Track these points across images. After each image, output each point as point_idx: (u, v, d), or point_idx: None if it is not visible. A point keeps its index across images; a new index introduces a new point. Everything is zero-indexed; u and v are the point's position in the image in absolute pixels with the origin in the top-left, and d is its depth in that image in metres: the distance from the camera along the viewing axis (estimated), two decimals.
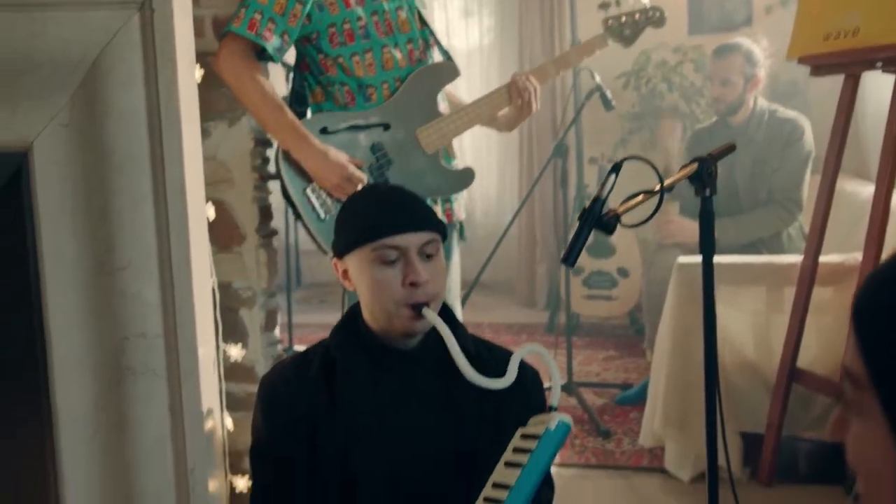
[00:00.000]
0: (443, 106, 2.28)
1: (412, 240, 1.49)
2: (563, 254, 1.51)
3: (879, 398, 0.64)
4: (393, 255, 1.48)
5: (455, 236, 2.34)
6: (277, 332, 2.63)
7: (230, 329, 2.47)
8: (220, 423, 1.86)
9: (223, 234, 2.47)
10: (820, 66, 2.56)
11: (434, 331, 1.58)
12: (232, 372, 2.49)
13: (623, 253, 4.68)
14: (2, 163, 1.70)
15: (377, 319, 1.53)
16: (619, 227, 1.51)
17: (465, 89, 6.30)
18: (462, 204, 2.36)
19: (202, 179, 1.78)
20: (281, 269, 5.02)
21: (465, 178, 2.25)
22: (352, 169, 2.06)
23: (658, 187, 1.52)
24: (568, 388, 3.64)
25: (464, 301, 4.41)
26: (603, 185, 1.49)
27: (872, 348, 0.65)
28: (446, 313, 1.63)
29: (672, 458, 2.85)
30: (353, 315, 1.60)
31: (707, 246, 1.73)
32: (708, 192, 1.71)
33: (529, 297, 5.90)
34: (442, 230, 1.55)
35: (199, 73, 1.81)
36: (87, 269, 1.68)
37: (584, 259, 4.78)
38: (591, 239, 5.02)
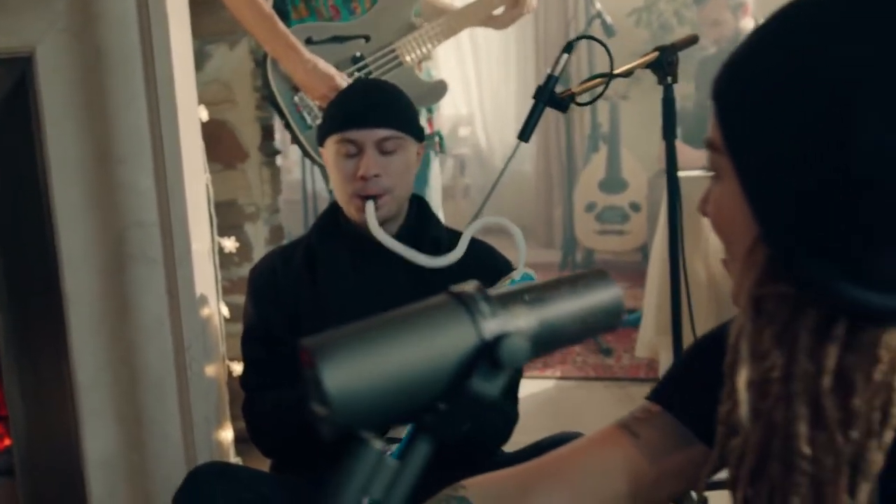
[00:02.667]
0: (418, 21, 2.37)
1: (369, 135, 1.56)
2: (519, 131, 1.60)
3: (732, 159, 0.74)
4: (352, 150, 1.57)
5: (434, 147, 2.42)
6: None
7: (238, 243, 2.61)
8: (217, 309, 1.99)
9: (227, 152, 2.60)
10: None
11: (410, 219, 1.68)
12: (240, 285, 2.64)
13: (635, 188, 4.75)
14: (9, 68, 1.83)
15: (343, 208, 1.63)
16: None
17: (485, 36, 6.35)
18: (443, 114, 2.45)
19: (193, 79, 1.90)
20: (299, 217, 5.18)
21: (439, 90, 2.34)
22: (339, 80, 2.15)
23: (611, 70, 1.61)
24: None
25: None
26: (556, 63, 1.58)
27: (726, 116, 0.74)
28: (419, 205, 1.72)
29: (665, 366, 2.95)
30: (333, 207, 1.70)
31: (669, 133, 1.81)
32: (669, 80, 1.79)
33: (547, 238, 6.00)
34: (411, 130, 1.61)
35: None
36: (88, 163, 1.81)
37: (596, 194, 4.85)
38: (603, 175, 5.11)
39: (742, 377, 0.72)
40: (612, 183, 4.79)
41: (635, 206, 4.75)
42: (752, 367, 0.72)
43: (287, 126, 2.24)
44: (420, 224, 1.69)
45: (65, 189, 1.83)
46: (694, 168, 2.90)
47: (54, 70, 1.81)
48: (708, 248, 2.85)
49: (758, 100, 0.71)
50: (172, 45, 1.77)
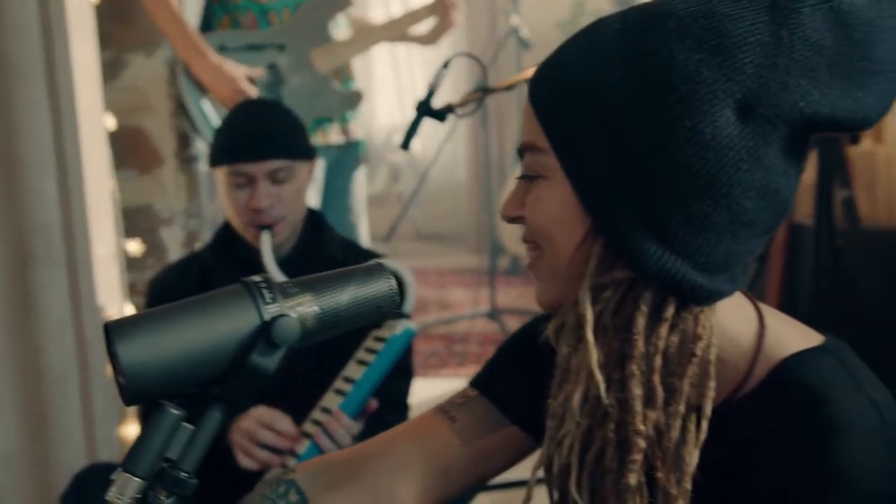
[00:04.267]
0: (339, 33, 2.46)
1: (259, 167, 1.57)
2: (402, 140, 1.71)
3: (560, 158, 0.79)
4: (242, 181, 1.58)
5: (354, 156, 2.51)
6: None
7: (151, 247, 2.68)
8: (121, 310, 2.06)
9: (143, 158, 2.67)
10: None
11: (305, 236, 1.71)
12: None
13: None
14: None
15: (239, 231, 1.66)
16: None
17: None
18: (361, 123, 2.54)
19: (98, 87, 1.98)
20: None
21: (352, 99, 2.42)
22: (244, 84, 2.21)
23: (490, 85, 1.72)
24: (492, 315, 3.89)
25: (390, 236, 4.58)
26: (436, 77, 1.69)
27: (550, 117, 0.80)
28: (314, 220, 1.75)
29: None
30: (228, 226, 1.71)
31: None
32: None
33: (479, 243, 6.11)
34: (301, 154, 1.64)
35: None
36: None
37: None
38: None
39: (594, 361, 0.79)
40: None
41: None
42: (599, 352, 0.79)
43: (194, 128, 2.30)
44: (315, 241, 1.72)
45: None
46: None
47: None
48: None
49: (584, 98, 0.77)
50: (75, 55, 1.84)
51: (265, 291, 0.69)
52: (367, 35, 2.45)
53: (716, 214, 0.75)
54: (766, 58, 0.73)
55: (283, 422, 1.51)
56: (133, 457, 0.66)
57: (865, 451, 0.75)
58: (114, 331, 0.65)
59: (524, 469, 1.17)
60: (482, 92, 1.66)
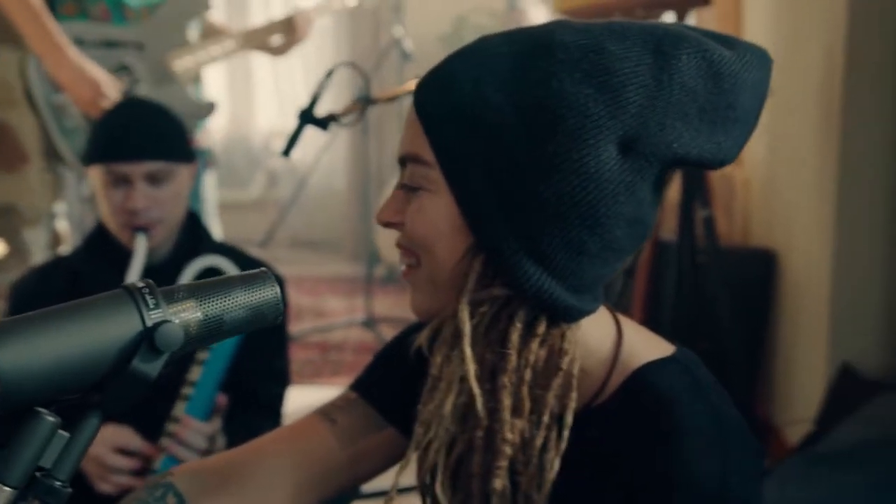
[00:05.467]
0: (194, 36, 2.40)
1: (137, 168, 1.54)
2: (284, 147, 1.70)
3: (446, 173, 0.82)
4: (120, 181, 1.55)
5: (201, 161, 2.43)
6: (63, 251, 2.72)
7: (14, 249, 2.56)
8: None
9: (6, 155, 2.54)
10: (582, 18, 2.84)
11: (183, 239, 1.68)
12: None
13: None
14: None
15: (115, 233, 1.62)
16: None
17: (301, 52, 6.42)
18: (209, 131, 2.47)
19: None
20: None
21: (205, 109, 2.37)
22: (107, 88, 2.10)
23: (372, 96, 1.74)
24: (368, 324, 3.91)
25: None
26: (319, 86, 1.70)
27: (437, 132, 0.81)
28: (191, 222, 1.73)
29: None
30: (101, 226, 1.68)
31: None
32: None
33: (356, 252, 6.11)
34: (181, 156, 1.61)
35: None
36: None
37: None
38: None
39: (471, 373, 0.82)
40: None
41: None
42: (475, 365, 0.83)
43: (42, 127, 2.18)
44: (192, 245, 1.70)
45: None
46: None
47: None
48: None
49: (474, 119, 0.80)
50: None
51: (148, 297, 0.68)
52: (224, 42, 2.40)
53: (591, 241, 0.79)
54: (648, 98, 0.78)
55: (133, 441, 1.49)
56: (3, 465, 0.65)
57: (704, 453, 0.81)
58: None
59: (400, 477, 1.18)
60: (364, 102, 1.68)
